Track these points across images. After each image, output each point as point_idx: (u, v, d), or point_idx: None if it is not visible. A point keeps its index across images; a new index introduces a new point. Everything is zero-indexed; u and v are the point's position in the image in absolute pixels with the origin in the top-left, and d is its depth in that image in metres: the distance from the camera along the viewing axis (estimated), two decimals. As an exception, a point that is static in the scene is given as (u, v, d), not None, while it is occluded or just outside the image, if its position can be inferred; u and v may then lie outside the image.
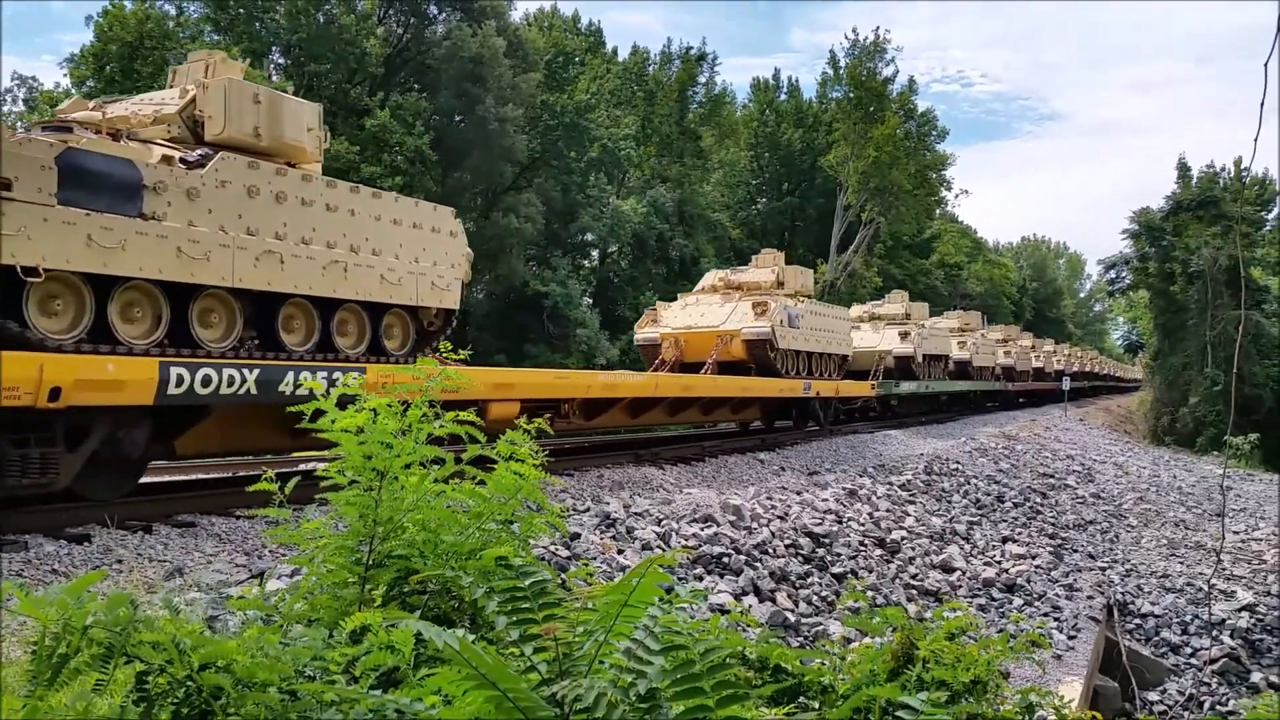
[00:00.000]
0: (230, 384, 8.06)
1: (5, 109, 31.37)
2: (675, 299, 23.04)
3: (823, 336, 22.46)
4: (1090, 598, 13.07)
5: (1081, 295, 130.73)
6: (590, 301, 41.81)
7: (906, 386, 28.36)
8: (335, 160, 29.24)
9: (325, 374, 8.53)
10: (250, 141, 9.47)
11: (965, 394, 36.95)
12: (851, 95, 48.62)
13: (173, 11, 33.61)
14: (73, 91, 31.61)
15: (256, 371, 8.35)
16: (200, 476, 10.32)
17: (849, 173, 47.35)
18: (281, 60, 33.86)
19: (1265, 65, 3.70)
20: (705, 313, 21.08)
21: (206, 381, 7.85)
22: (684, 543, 8.91)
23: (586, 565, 6.43)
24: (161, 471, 10.82)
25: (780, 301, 20.64)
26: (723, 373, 19.47)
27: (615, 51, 50.33)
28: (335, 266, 9.91)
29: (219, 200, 8.74)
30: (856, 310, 31.83)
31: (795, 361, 21.17)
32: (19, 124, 23.00)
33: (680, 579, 7.85)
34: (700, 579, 8.20)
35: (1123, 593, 14.10)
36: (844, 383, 23.44)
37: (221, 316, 9.11)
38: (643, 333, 21.45)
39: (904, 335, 29.22)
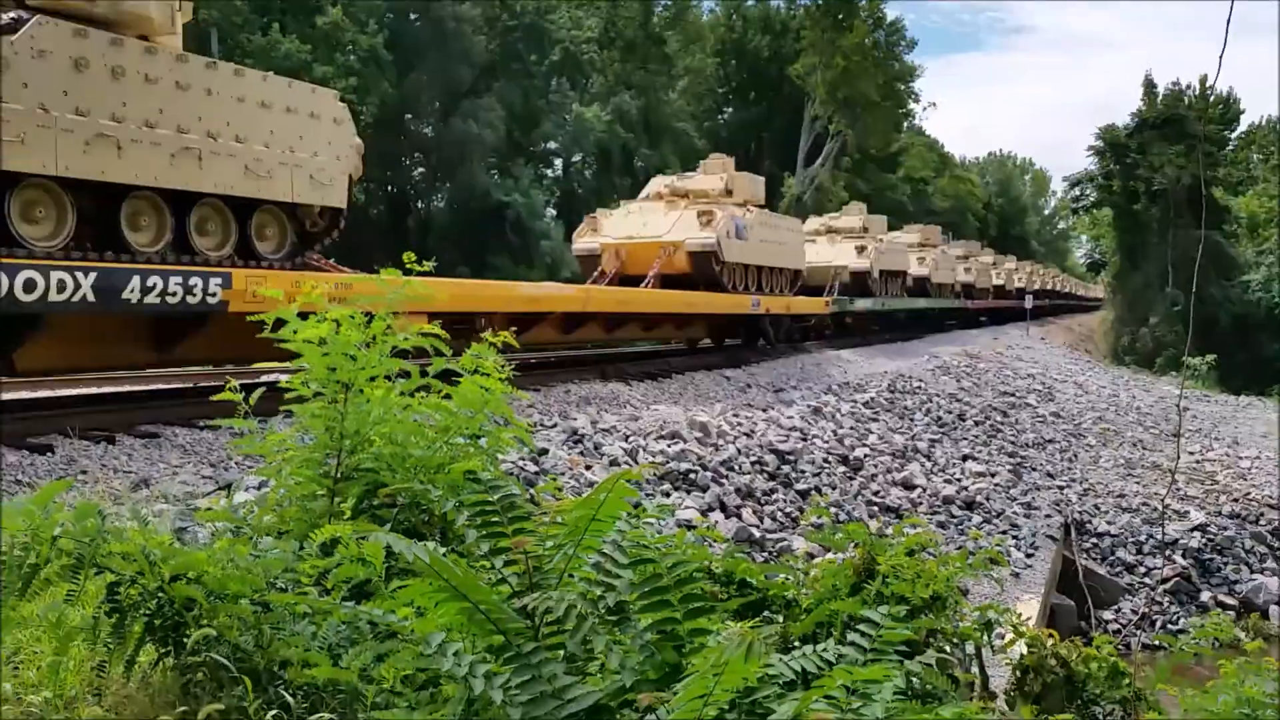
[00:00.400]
0: (61, 289, 6.89)
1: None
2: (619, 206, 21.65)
3: (774, 250, 21.36)
4: (1048, 516, 13.38)
5: (1046, 212, 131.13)
6: (554, 213, 41.39)
7: (862, 304, 27.22)
8: (286, 60, 28.41)
9: (180, 278, 7.62)
10: (79, 6, 8.02)
11: (924, 312, 35.78)
12: (820, 1, 47.73)
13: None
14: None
15: (93, 275, 7.15)
16: (161, 387, 10.21)
17: (817, 83, 46.74)
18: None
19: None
20: (648, 222, 19.53)
21: (30, 286, 6.70)
22: (651, 459, 9.00)
23: (555, 480, 6.48)
24: (122, 381, 10.70)
25: (728, 211, 19.39)
26: (666, 287, 18.37)
27: (580, -52, 48.92)
28: (188, 154, 8.57)
29: (37, 73, 7.46)
30: (813, 223, 30.74)
31: (744, 276, 20.06)
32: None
33: (647, 495, 7.94)
34: (667, 495, 8.30)
35: (1080, 512, 14.44)
36: (796, 299, 22.33)
37: (49, 211, 7.93)
38: (581, 242, 20.19)
39: (860, 250, 28.03)
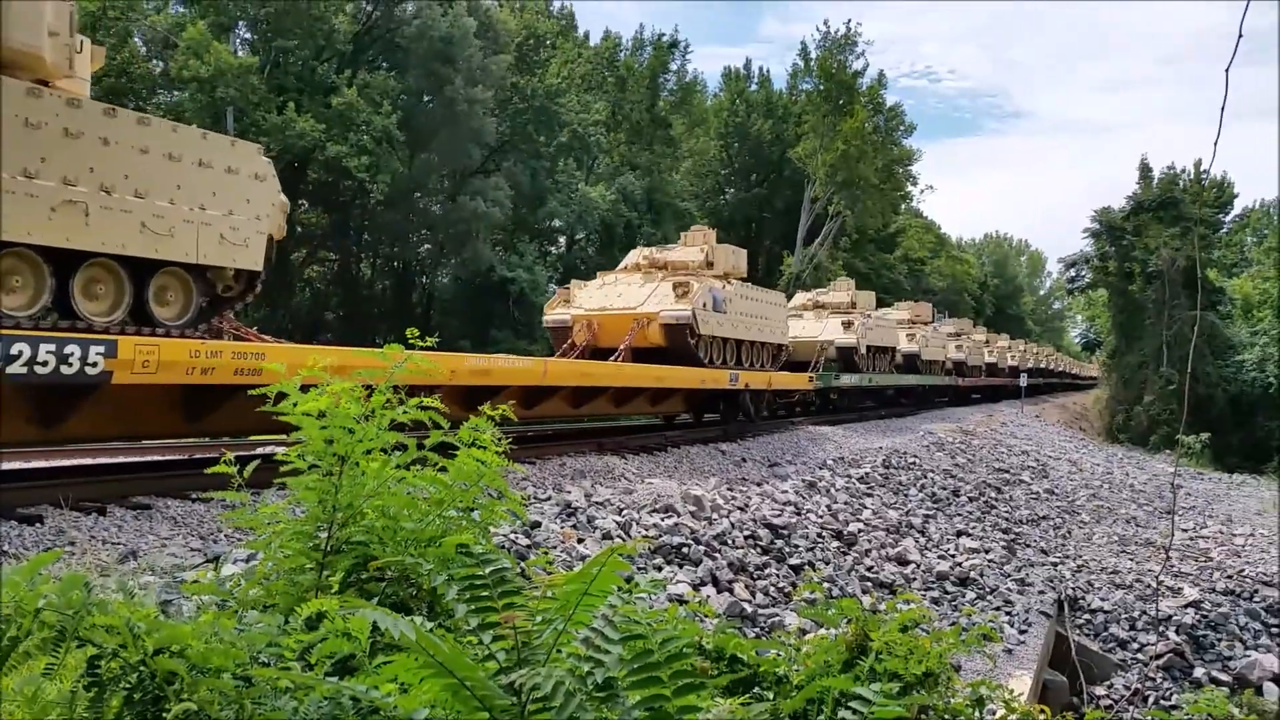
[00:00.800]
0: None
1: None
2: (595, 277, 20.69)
3: (754, 323, 20.46)
4: (1042, 592, 13.27)
5: (1041, 293, 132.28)
6: (555, 288, 41.68)
7: (848, 379, 26.07)
8: (300, 138, 28.95)
9: (53, 346, 6.71)
10: None
11: (914, 389, 35.13)
12: (821, 87, 48.77)
13: (137, -18, 33.05)
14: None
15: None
16: (156, 459, 10.19)
17: (817, 165, 47.51)
18: (248, 35, 33.41)
19: (1227, 70, 3.78)
20: (623, 293, 18.71)
21: None
22: (644, 533, 8.95)
23: (546, 554, 6.43)
24: (116, 452, 10.68)
25: (705, 283, 18.44)
26: (640, 360, 16.98)
27: (587, 36, 50.23)
28: (72, 209, 7.87)
29: None
30: (800, 298, 30.36)
31: (722, 350, 19.27)
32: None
33: (640, 568, 7.88)
34: (660, 569, 8.23)
35: (1074, 588, 14.33)
36: (777, 374, 21.23)
37: None
38: (552, 314, 19.24)
39: (847, 325, 27.19)
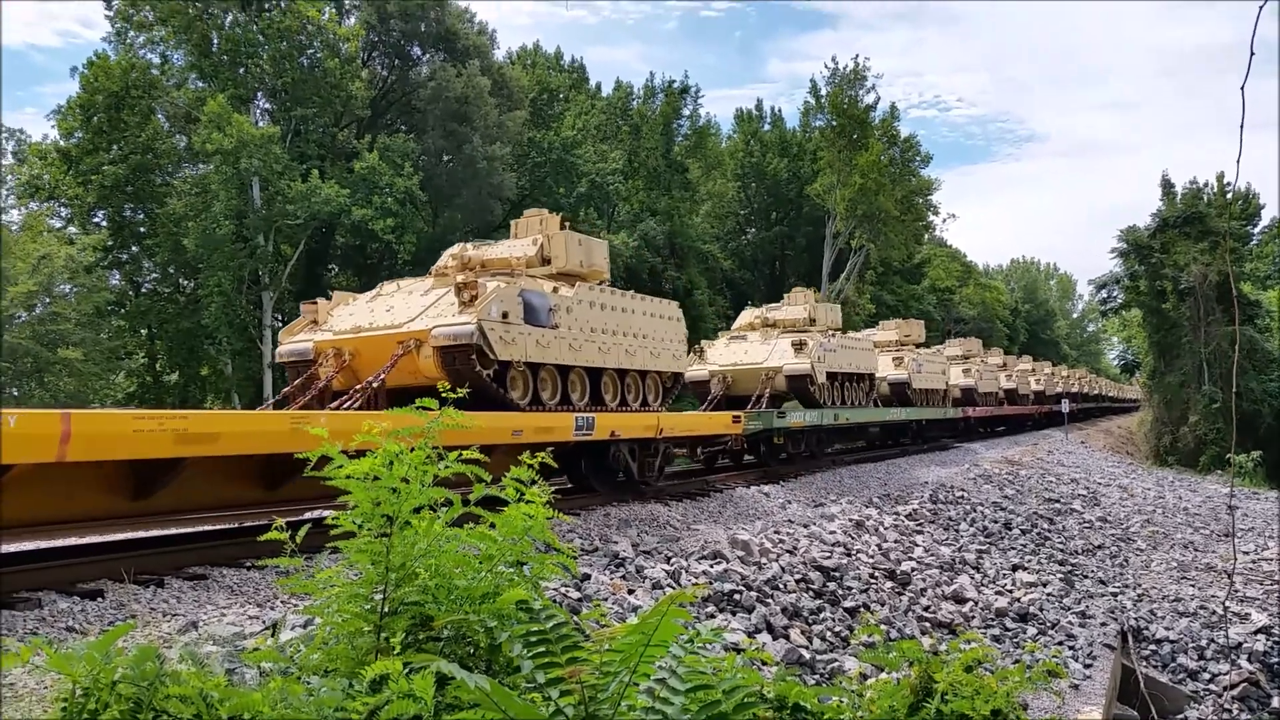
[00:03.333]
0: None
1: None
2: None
3: (618, 343, 14.38)
4: (1104, 624, 12.99)
5: (1074, 316, 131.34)
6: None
7: (797, 418, 20.05)
8: (326, 204, 29.37)
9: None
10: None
11: (903, 425, 29.59)
12: (834, 123, 48.96)
13: (156, 60, 33.88)
14: (60, 144, 31.80)
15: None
16: (207, 529, 10.24)
17: (836, 200, 47.58)
18: (267, 105, 34.10)
19: (1242, 88, 3.76)
20: (393, 306, 13.75)
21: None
22: (694, 580, 8.87)
23: (599, 606, 6.39)
24: (168, 524, 10.75)
25: (516, 285, 12.83)
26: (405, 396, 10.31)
27: (599, 87, 50.78)
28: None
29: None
30: (747, 315, 24.85)
31: (560, 382, 13.37)
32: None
33: (695, 618, 7.81)
34: (712, 617, 8.14)
35: (1136, 618, 14.01)
36: (677, 417, 15.56)
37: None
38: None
39: (799, 346, 21.30)
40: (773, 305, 24.97)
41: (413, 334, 11.91)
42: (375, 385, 11.54)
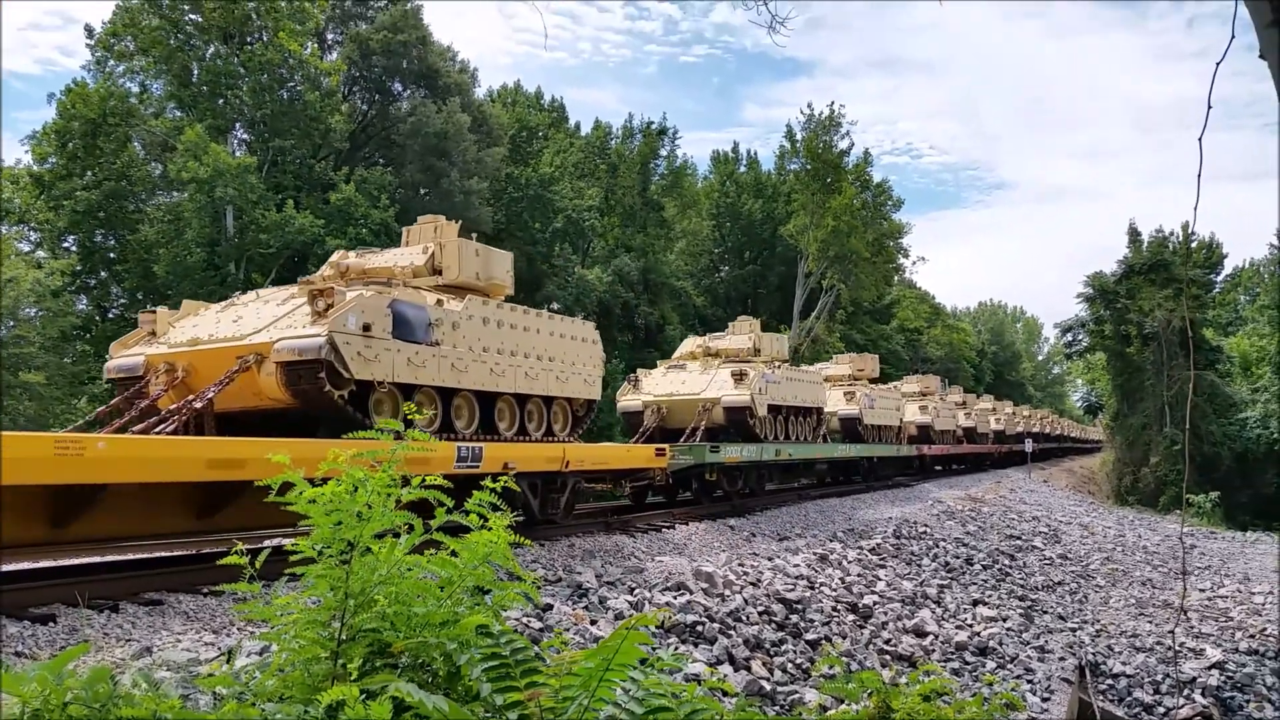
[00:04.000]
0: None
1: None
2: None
3: (517, 366, 13.18)
4: (1062, 659, 13.11)
5: (1040, 358, 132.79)
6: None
7: (733, 453, 18.50)
8: (300, 234, 29.32)
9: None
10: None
11: (853, 461, 28.18)
12: (809, 167, 49.60)
13: (135, 89, 33.83)
14: (34, 169, 31.62)
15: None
16: (164, 554, 10.14)
17: (808, 241, 48.08)
18: (245, 136, 34.07)
19: (1200, 140, 3.91)
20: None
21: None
22: (657, 611, 8.87)
23: (560, 635, 6.39)
24: (127, 549, 10.63)
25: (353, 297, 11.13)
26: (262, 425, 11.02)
27: (578, 126, 51.16)
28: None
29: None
30: (689, 344, 23.47)
31: (442, 404, 12.04)
32: None
33: (654, 648, 7.81)
34: (674, 648, 8.15)
35: (1094, 653, 14.13)
36: (582, 447, 13.88)
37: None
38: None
39: (739, 377, 20.15)
40: (716, 334, 23.84)
41: (254, 347, 10.27)
42: (200, 406, 9.87)
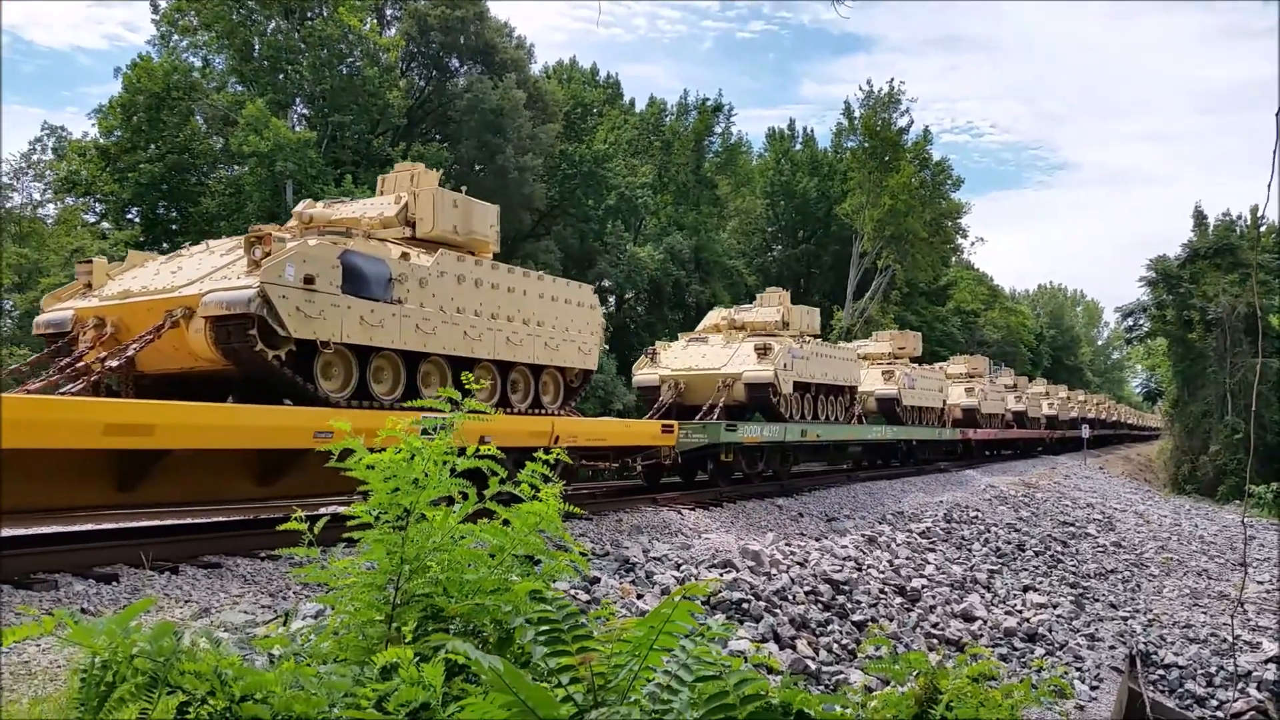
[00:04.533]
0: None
1: (34, 157, 31.98)
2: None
3: (494, 329, 11.94)
4: (1112, 648, 12.95)
5: (1099, 343, 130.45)
6: (606, 347, 42.01)
7: (754, 432, 17.04)
8: (357, 208, 29.67)
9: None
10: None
11: (889, 445, 26.64)
12: (866, 145, 49.06)
13: (198, 64, 34.39)
14: (100, 141, 32.32)
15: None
16: (222, 519, 10.39)
17: (864, 220, 47.62)
18: (305, 111, 34.48)
19: (1277, 115, 3.81)
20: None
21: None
22: (706, 582, 8.92)
23: (608, 608, 6.46)
24: (185, 514, 10.91)
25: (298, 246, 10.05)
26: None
27: (633, 103, 51.01)
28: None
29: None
30: (713, 316, 22.33)
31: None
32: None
33: (703, 618, 7.86)
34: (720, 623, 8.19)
35: (1145, 643, 13.95)
36: (575, 421, 12.98)
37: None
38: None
39: (763, 351, 18.80)
40: (743, 306, 22.53)
41: (182, 300, 9.20)
42: (116, 365, 8.94)
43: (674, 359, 19.83)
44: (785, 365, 18.83)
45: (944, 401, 31.36)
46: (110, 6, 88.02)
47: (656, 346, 20.59)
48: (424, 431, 3.98)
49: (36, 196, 31.17)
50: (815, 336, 22.10)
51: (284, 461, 9.14)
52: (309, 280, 9.21)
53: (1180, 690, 12.65)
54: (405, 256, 10.69)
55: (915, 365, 30.33)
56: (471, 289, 11.44)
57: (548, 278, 13.14)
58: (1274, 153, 3.90)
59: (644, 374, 19.81)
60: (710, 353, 19.64)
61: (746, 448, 17.28)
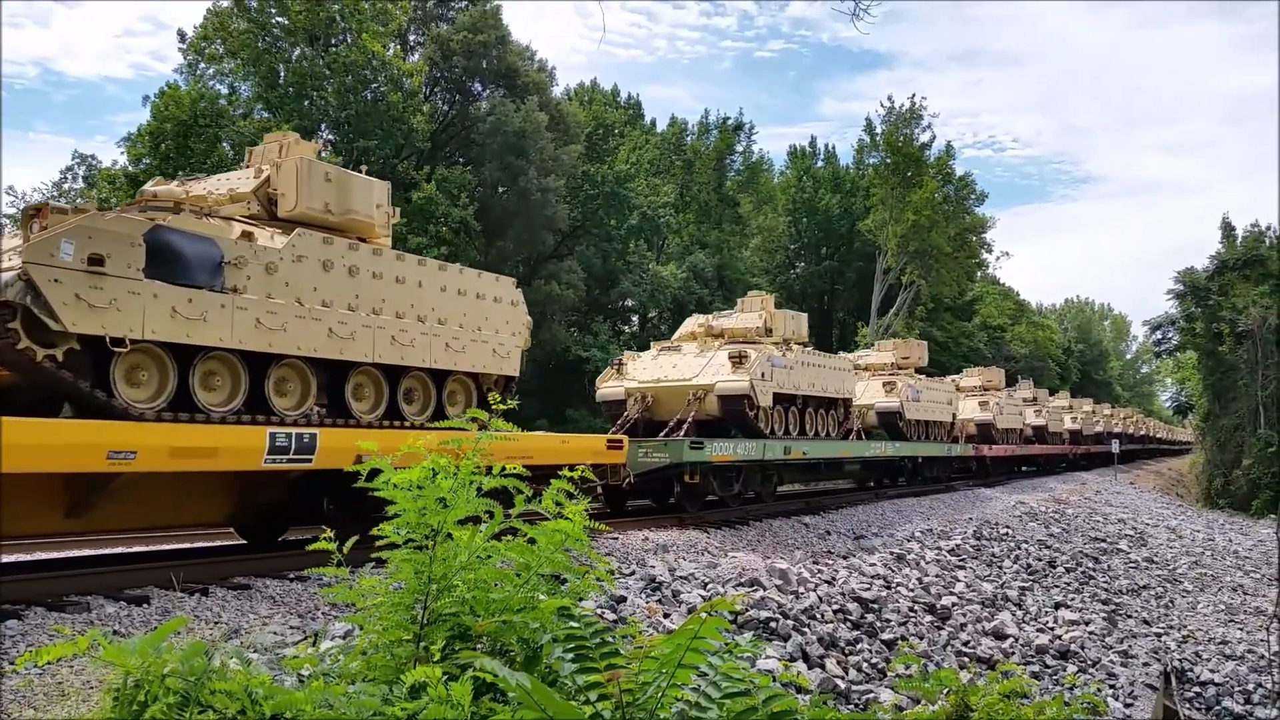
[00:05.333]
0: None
1: (65, 185, 32.50)
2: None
3: (375, 324, 10.05)
4: (1146, 665, 12.76)
5: (1128, 357, 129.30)
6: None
7: (723, 449, 15.36)
8: (382, 232, 29.99)
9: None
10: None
11: (892, 462, 24.63)
12: (889, 160, 48.99)
13: (225, 91, 34.88)
14: (129, 169, 32.79)
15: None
16: (244, 542, 10.46)
17: (888, 236, 47.51)
18: (330, 137, 34.87)
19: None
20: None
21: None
22: (735, 597, 8.88)
23: (634, 626, 6.44)
24: (214, 536, 10.99)
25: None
26: None
27: (654, 123, 51.26)
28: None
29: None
30: (689, 324, 20.06)
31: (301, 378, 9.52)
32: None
33: (732, 634, 7.81)
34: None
35: (1180, 659, 13.74)
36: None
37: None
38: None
39: (738, 360, 16.95)
40: (723, 312, 20.99)
41: None
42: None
43: (642, 370, 17.86)
44: (763, 375, 16.95)
45: (954, 415, 29.58)
46: (137, 37, 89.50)
47: (625, 357, 18.50)
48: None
49: (68, 224, 31.63)
50: (803, 344, 20.14)
51: (91, 489, 7.57)
52: (95, 261, 7.31)
53: (1217, 708, 12.44)
54: (248, 236, 8.85)
55: (920, 376, 28.51)
56: (343, 278, 9.48)
57: (452, 267, 11.21)
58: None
59: (608, 387, 17.86)
60: (681, 363, 17.72)
61: (718, 467, 15.64)
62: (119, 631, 6.22)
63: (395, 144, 34.17)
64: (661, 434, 15.68)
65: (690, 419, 16.26)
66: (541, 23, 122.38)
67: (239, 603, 7.18)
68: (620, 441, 12.75)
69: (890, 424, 25.28)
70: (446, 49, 36.33)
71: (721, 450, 15.15)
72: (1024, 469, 39.10)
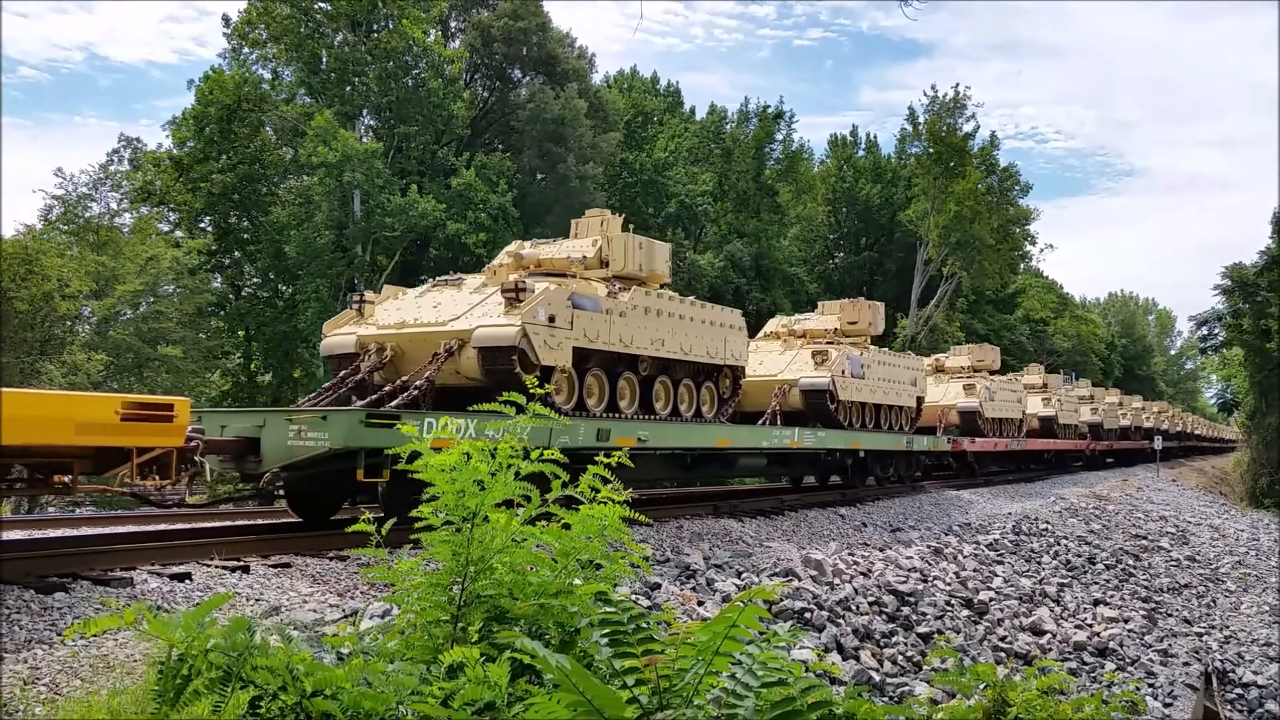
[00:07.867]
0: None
1: (111, 168, 32.99)
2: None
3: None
4: (1186, 664, 12.58)
5: (1172, 352, 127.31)
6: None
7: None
8: (422, 218, 30.14)
9: None
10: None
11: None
12: (931, 150, 48.44)
13: (268, 76, 35.19)
14: (174, 152, 33.22)
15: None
16: (294, 519, 10.57)
17: (929, 227, 47.01)
18: (371, 122, 35.10)
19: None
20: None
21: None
22: (773, 586, 8.86)
23: (669, 613, 6.45)
24: (256, 515, 11.13)
25: None
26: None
27: (693, 111, 50.98)
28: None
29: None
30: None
31: None
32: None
33: (769, 623, 7.80)
34: (783, 631, 8.11)
35: (1222, 660, 13.53)
36: None
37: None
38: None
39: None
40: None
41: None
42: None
43: (386, 314, 12.59)
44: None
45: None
46: (181, 23, 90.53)
47: (367, 295, 13.27)
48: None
49: (114, 206, 32.16)
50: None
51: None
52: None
53: (1260, 710, 12.23)
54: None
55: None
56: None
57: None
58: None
59: (336, 335, 12.45)
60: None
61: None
62: (162, 607, 6.31)
63: (435, 130, 34.31)
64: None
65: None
66: (579, 10, 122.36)
67: (280, 580, 7.27)
68: (168, 408, 7.15)
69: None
70: (487, 35, 36.40)
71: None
72: (1033, 467, 34.09)
